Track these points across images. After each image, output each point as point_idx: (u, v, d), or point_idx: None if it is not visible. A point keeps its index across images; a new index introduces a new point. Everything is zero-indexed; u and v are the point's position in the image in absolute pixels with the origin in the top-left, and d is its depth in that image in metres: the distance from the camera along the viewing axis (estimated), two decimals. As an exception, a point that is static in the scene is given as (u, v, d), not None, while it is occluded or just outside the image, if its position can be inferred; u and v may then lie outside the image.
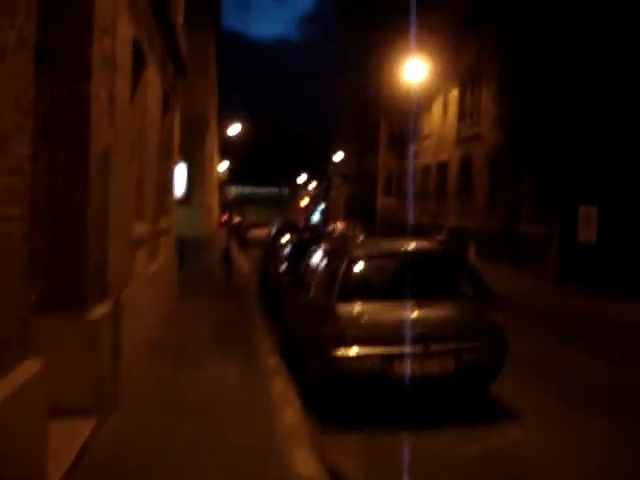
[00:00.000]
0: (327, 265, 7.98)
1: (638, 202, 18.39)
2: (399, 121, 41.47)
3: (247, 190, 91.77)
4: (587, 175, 20.38)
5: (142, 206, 9.11)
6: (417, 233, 28.35)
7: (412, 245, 8.11)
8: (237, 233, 45.52)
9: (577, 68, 20.32)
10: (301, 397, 7.49)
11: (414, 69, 29.54)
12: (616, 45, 18.99)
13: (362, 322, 6.81)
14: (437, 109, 36.04)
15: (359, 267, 7.39)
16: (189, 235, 24.39)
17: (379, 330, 6.79)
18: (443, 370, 6.91)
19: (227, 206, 44.07)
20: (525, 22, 23.43)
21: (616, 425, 6.91)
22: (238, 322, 12.86)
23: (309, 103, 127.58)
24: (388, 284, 7.28)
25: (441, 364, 6.90)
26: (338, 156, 69.00)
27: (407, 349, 6.72)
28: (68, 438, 5.25)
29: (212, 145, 38.90)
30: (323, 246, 9.13)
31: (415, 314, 6.86)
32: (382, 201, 48.28)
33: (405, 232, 32.53)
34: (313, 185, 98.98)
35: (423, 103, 35.61)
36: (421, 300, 6.95)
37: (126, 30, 7.12)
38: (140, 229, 8.37)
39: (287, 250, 14.46)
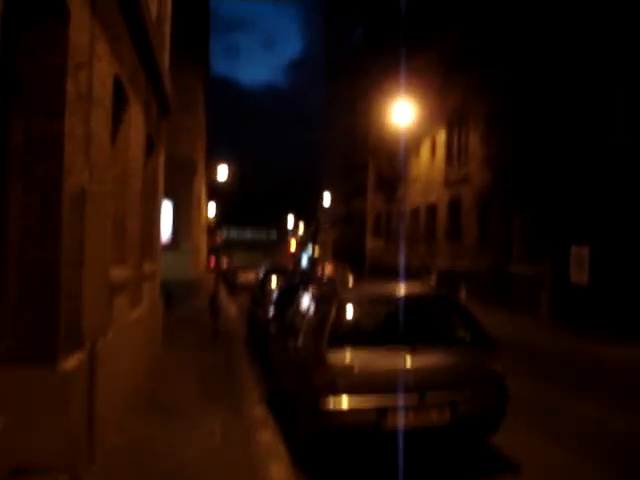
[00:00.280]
0: (316, 310, 7.62)
1: (630, 242, 18.18)
2: (387, 163, 41.50)
3: (234, 233, 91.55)
4: (578, 215, 20.23)
5: (123, 250, 8.75)
6: (407, 275, 28.07)
7: (404, 288, 7.77)
8: (225, 277, 45.05)
9: (564, 107, 20.34)
10: (290, 451, 7.06)
11: (401, 111, 29.57)
12: (601, 84, 19.00)
13: (354, 371, 6.42)
14: (425, 151, 36.06)
15: (349, 312, 7.04)
16: (176, 278, 24.02)
17: (372, 379, 6.40)
18: (440, 421, 6.52)
19: (215, 249, 43.68)
20: (509, 63, 23.58)
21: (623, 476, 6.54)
22: (224, 370, 12.41)
23: (296, 147, 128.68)
24: (380, 330, 6.93)
25: (437, 415, 6.51)
26: (326, 199, 68.99)
27: (402, 400, 6.34)
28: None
29: (200, 188, 38.69)
30: (311, 290, 8.76)
31: (409, 362, 6.49)
32: (371, 243, 48.06)
33: (395, 275, 32.23)
34: (301, 228, 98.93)
35: (411, 145, 35.66)
36: (415, 347, 6.58)
37: (106, 66, 6.85)
38: (120, 274, 7.99)
39: (275, 294, 14.08)
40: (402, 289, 7.72)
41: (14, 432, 4.98)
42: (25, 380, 5.11)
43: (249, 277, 39.82)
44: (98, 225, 6.07)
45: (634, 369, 13.17)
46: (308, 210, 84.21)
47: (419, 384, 6.40)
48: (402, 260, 33.23)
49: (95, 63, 6.28)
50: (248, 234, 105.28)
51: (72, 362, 5.52)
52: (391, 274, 32.03)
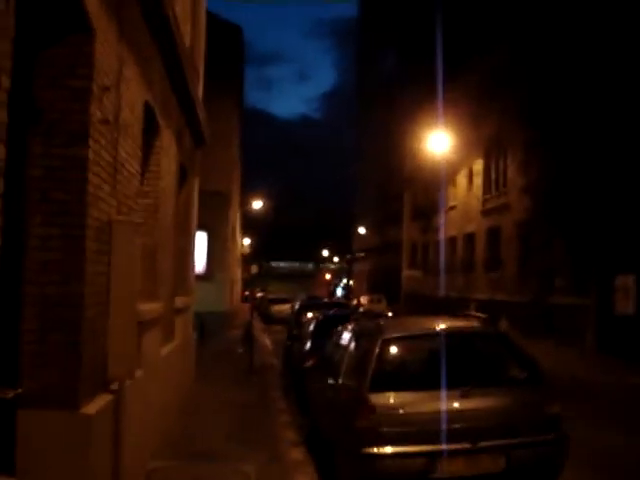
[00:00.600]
0: (357, 347, 7.13)
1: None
2: (423, 193, 41.05)
3: (269, 265, 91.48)
4: (622, 243, 19.56)
5: (154, 284, 8.38)
6: (446, 307, 27.42)
7: (451, 324, 7.25)
8: (260, 309, 44.77)
9: (607, 132, 19.72)
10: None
11: (438, 140, 29.17)
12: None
13: (400, 415, 5.91)
14: (461, 180, 35.56)
15: (394, 350, 6.54)
16: (210, 310, 23.71)
17: (419, 424, 5.89)
18: (493, 469, 5.97)
19: (250, 281, 43.44)
20: (547, 88, 23.04)
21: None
22: (259, 407, 11.95)
23: (330, 178, 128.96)
24: (427, 370, 6.41)
25: (490, 462, 5.96)
26: (360, 230, 68.61)
27: (452, 446, 5.81)
28: None
29: (234, 219, 38.60)
30: (351, 324, 8.28)
31: (460, 405, 5.97)
32: (407, 274, 47.36)
33: (433, 307, 31.59)
34: (336, 260, 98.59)
35: (447, 174, 35.15)
36: (466, 389, 6.05)
37: (135, 91, 6.54)
38: (151, 309, 7.60)
39: (311, 327, 13.62)
40: (450, 325, 7.20)
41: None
42: (43, 425, 4.71)
43: (284, 308, 39.54)
44: (126, 258, 5.70)
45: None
46: (342, 240, 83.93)
47: (471, 429, 5.87)
48: (441, 291, 32.55)
49: (123, 87, 5.96)
50: (283, 265, 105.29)
51: (96, 405, 5.11)
52: (429, 306, 31.42)
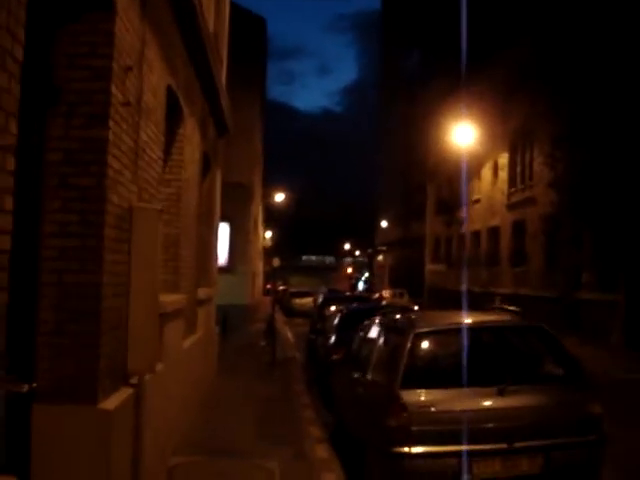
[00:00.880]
0: (386, 342, 6.85)
1: None
2: (447, 186, 40.61)
3: (291, 258, 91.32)
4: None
5: (176, 274, 8.16)
6: (470, 302, 27.02)
7: (485, 318, 6.94)
8: (281, 302, 44.65)
9: (639, 124, 19.24)
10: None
11: (462, 133, 28.73)
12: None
13: (432, 413, 5.62)
14: (486, 173, 35.09)
15: (426, 345, 6.24)
16: (232, 303, 23.53)
17: (453, 423, 5.59)
18: (530, 471, 5.67)
19: (271, 274, 43.25)
20: (576, 80, 22.56)
21: None
22: (282, 402, 11.72)
23: (352, 172, 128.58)
24: (460, 366, 6.11)
25: (528, 463, 5.66)
26: (382, 224, 68.23)
27: (487, 447, 5.53)
28: None
29: (257, 212, 38.44)
30: (379, 318, 7.99)
31: (496, 403, 5.67)
32: (430, 268, 46.92)
33: (457, 301, 31.17)
34: (357, 253, 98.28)
35: (472, 167, 34.68)
36: (502, 386, 5.74)
37: (158, 74, 6.30)
38: (173, 300, 7.38)
39: (336, 321, 13.35)
40: (484, 318, 6.90)
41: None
42: (59, 421, 4.49)
43: (306, 302, 39.39)
44: (148, 247, 5.46)
45: None
46: (364, 234, 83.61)
47: (507, 429, 5.58)
48: (465, 285, 32.12)
49: (145, 69, 5.71)
50: (305, 259, 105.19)
51: (115, 400, 4.89)
52: (453, 300, 31.00)
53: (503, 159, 32.69)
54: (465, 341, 6.19)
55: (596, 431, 5.91)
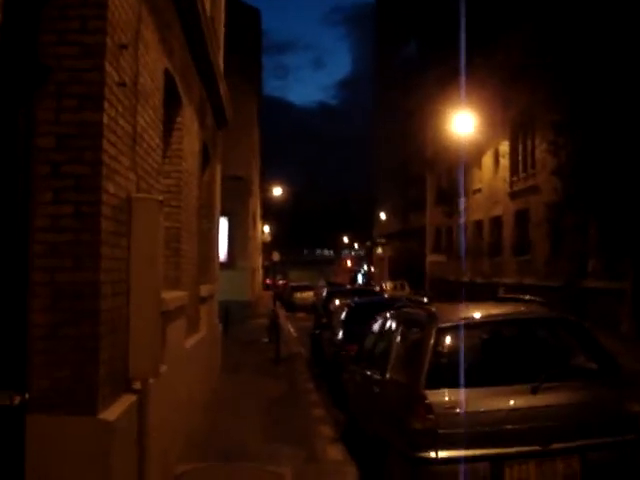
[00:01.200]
0: (406, 337, 6.42)
1: None
2: (447, 176, 40.16)
3: (290, 252, 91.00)
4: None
5: (178, 271, 7.74)
6: (473, 292, 26.62)
7: (513, 310, 6.48)
8: (282, 297, 44.33)
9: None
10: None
11: (462, 121, 28.26)
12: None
13: (460, 414, 5.20)
14: (487, 161, 34.62)
15: (451, 341, 5.79)
16: (233, 298, 23.13)
17: (482, 424, 5.17)
18: (567, 473, 5.25)
19: (271, 268, 42.90)
20: (578, 67, 22.14)
21: None
22: (290, 400, 11.33)
23: (349, 165, 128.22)
24: (489, 363, 5.69)
25: (564, 466, 5.23)
26: (381, 216, 67.82)
27: (520, 449, 5.11)
28: None
29: (255, 207, 38.04)
30: (395, 312, 7.54)
31: (529, 402, 5.25)
32: (431, 259, 46.47)
33: (459, 292, 30.76)
34: (356, 246, 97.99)
35: (472, 156, 34.23)
36: (535, 384, 5.32)
37: (154, 56, 5.85)
38: (175, 298, 6.95)
39: (343, 315, 12.93)
40: (511, 310, 6.44)
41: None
42: (55, 433, 4.07)
43: (307, 296, 39.08)
44: (148, 241, 5.03)
45: None
46: (362, 227, 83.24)
47: (542, 429, 5.16)
48: (468, 276, 31.77)
49: (142, 48, 5.28)
50: (303, 253, 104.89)
51: (116, 409, 4.46)
52: (455, 291, 30.60)
53: (504, 147, 32.19)
54: (493, 336, 5.77)
55: (635, 430, 5.49)
